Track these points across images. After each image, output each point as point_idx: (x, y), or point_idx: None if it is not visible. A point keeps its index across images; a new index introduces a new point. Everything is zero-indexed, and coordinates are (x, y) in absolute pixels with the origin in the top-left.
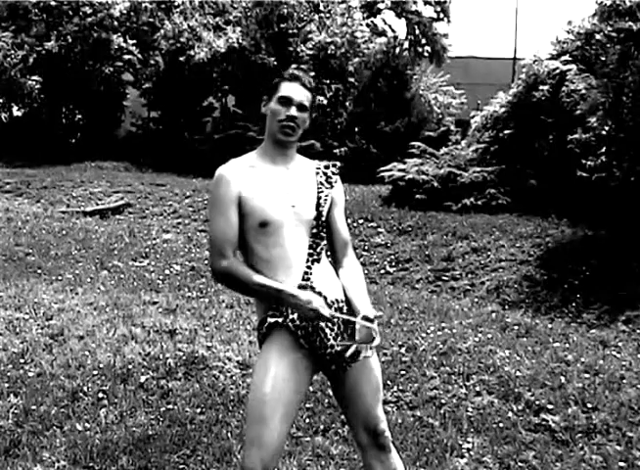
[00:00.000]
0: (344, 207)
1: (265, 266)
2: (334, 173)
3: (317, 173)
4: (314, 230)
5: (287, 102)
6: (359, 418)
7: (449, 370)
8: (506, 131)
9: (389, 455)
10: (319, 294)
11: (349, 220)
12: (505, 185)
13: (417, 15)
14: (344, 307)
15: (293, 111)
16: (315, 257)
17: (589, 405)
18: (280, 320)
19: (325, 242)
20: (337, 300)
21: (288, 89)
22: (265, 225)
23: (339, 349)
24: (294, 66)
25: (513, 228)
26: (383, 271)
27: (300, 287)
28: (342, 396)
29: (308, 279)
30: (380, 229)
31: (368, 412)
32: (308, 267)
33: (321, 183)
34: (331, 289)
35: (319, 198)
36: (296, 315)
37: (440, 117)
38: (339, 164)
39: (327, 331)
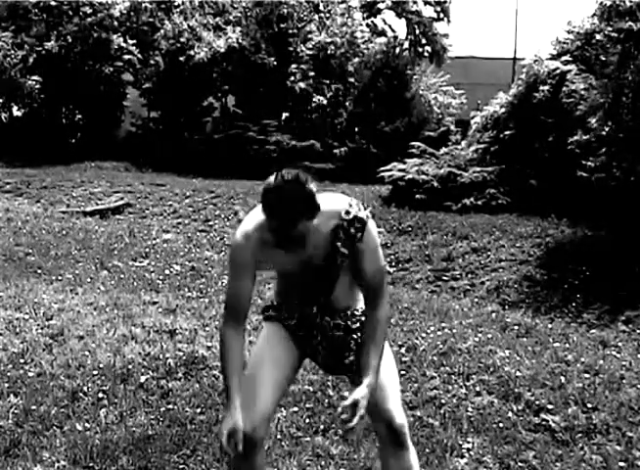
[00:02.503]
0: (378, 249)
1: (281, 289)
2: (358, 229)
3: (340, 227)
4: (328, 276)
5: (279, 236)
6: (375, 411)
7: (449, 370)
8: (506, 132)
9: (405, 453)
10: (315, 315)
11: None
12: (505, 185)
13: (417, 15)
14: (351, 323)
15: (290, 246)
16: (327, 292)
17: (589, 405)
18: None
19: (338, 280)
20: (338, 324)
21: (276, 227)
22: (280, 274)
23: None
24: (277, 198)
25: (513, 228)
26: None
27: (303, 315)
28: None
29: (312, 306)
30: (380, 229)
31: (383, 406)
32: (317, 300)
33: (339, 239)
34: (335, 313)
35: (335, 252)
36: (293, 322)
37: (440, 117)
38: (367, 214)
39: (319, 348)
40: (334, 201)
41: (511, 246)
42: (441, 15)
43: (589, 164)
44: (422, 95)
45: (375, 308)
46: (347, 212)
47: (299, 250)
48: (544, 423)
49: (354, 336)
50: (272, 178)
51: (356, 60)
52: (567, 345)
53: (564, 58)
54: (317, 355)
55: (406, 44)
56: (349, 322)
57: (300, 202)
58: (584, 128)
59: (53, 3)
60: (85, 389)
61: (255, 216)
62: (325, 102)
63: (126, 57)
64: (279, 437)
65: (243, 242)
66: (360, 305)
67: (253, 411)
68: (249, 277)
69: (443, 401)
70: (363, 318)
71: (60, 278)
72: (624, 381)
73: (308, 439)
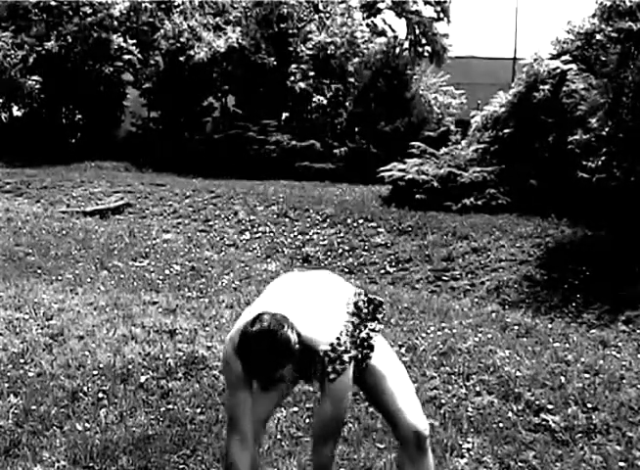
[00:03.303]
0: (344, 399)
1: None
2: (335, 371)
3: (319, 360)
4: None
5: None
6: (399, 417)
7: (449, 370)
8: (506, 131)
9: (424, 457)
10: None
11: (349, 220)
12: (505, 185)
13: (417, 15)
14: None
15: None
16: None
17: (589, 405)
18: None
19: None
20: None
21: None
22: None
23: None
24: (252, 332)
25: (513, 228)
26: (383, 271)
27: None
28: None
29: None
30: (380, 229)
31: (406, 411)
32: None
33: (315, 368)
34: None
35: (309, 375)
36: None
37: (440, 117)
38: (346, 359)
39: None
40: (324, 330)
41: (511, 246)
42: (441, 15)
43: (589, 164)
44: (422, 95)
45: (315, 453)
46: (334, 350)
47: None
48: (544, 423)
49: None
50: (250, 324)
51: (356, 60)
52: (567, 345)
53: (564, 58)
54: None
55: (406, 44)
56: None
57: (274, 356)
58: (584, 128)
59: (53, 3)
60: (85, 389)
61: (241, 324)
62: (325, 102)
63: (126, 57)
64: (279, 437)
65: (233, 356)
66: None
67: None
68: (245, 387)
69: (443, 401)
70: (363, 335)
71: (60, 278)
72: (624, 381)
73: (308, 439)
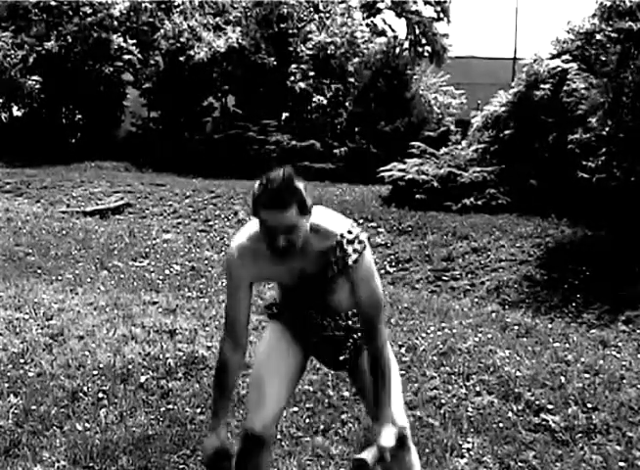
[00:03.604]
0: (374, 279)
1: (279, 293)
2: (356, 251)
3: (338, 245)
4: (322, 287)
5: (271, 230)
6: (377, 413)
7: (449, 370)
8: (506, 131)
9: (406, 454)
10: (315, 317)
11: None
12: (505, 185)
13: (417, 15)
14: (352, 323)
15: (281, 240)
16: (323, 301)
17: (589, 405)
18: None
19: (333, 290)
20: (339, 325)
21: (267, 217)
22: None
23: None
24: (267, 184)
25: (513, 228)
26: (383, 271)
27: (304, 315)
28: (356, 384)
29: (310, 311)
30: (380, 229)
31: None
32: (314, 306)
33: (334, 256)
34: (336, 314)
35: (327, 267)
36: (294, 320)
37: (440, 117)
38: (363, 239)
39: (318, 346)
40: (335, 222)
41: (511, 246)
42: (441, 15)
43: (589, 164)
44: (422, 95)
45: (372, 339)
46: (349, 232)
47: (289, 256)
48: (544, 423)
49: (355, 336)
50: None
51: (356, 60)
52: (567, 345)
53: (564, 57)
54: (316, 352)
55: (406, 44)
56: (351, 322)
57: (288, 189)
58: (585, 128)
59: (53, 3)
60: (85, 389)
61: (249, 229)
62: (325, 102)
63: (126, 57)
64: (279, 437)
65: (236, 255)
66: None
67: (264, 409)
68: (245, 291)
69: (443, 401)
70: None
71: (60, 278)
72: (624, 381)
73: (308, 439)
